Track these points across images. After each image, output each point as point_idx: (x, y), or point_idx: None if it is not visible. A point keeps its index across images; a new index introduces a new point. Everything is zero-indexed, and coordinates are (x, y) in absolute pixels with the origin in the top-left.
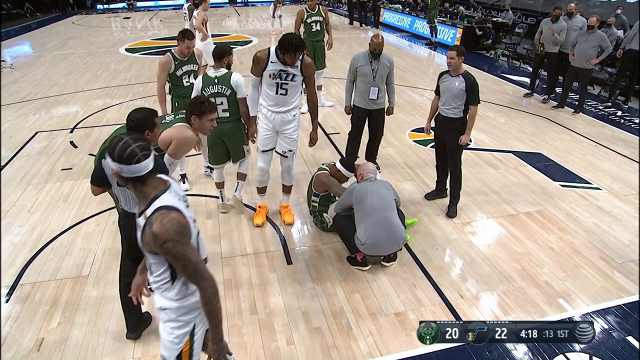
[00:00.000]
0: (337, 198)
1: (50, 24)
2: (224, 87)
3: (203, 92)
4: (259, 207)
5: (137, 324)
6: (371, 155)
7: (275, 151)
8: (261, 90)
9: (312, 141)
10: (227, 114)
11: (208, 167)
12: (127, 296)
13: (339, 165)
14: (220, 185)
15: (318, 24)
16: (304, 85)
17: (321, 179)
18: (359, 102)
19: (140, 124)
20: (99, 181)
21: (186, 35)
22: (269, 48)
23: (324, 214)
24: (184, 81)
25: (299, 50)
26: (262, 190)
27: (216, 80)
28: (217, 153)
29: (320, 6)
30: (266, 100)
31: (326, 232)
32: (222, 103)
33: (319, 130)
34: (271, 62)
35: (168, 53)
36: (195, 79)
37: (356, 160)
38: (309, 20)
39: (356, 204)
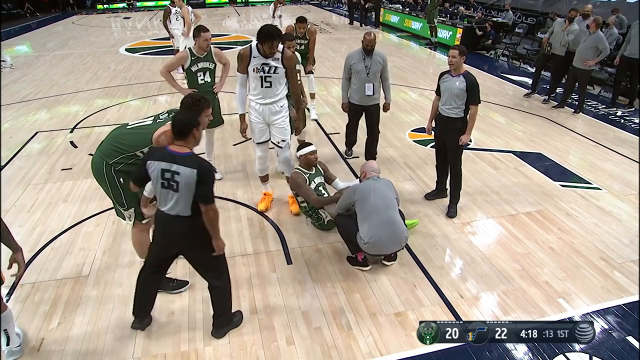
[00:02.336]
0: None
1: (50, 24)
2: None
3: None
4: (264, 194)
5: (146, 313)
6: (370, 154)
7: (271, 142)
8: (249, 86)
9: (297, 131)
10: None
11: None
12: (145, 286)
13: (299, 152)
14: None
15: (303, 46)
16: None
17: (291, 180)
18: (353, 99)
19: (189, 123)
20: (141, 181)
21: (201, 29)
22: (250, 44)
23: (320, 211)
24: (199, 78)
25: (275, 39)
26: (264, 179)
27: None
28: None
29: (309, 29)
30: (254, 94)
31: (326, 232)
32: None
33: (319, 130)
34: (253, 56)
35: (187, 48)
36: (211, 77)
37: (354, 145)
38: (295, 41)
39: (359, 203)
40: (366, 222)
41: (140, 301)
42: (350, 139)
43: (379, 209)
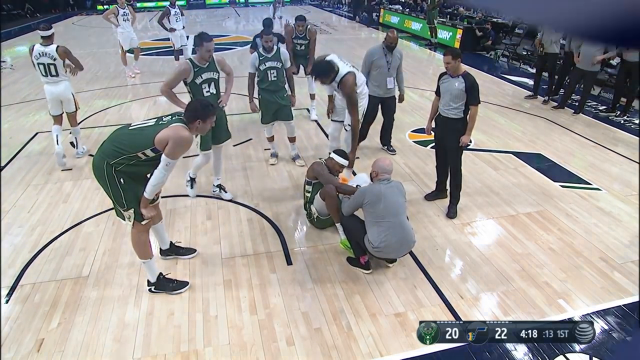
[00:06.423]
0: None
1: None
2: (277, 61)
3: (259, 67)
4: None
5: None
6: (387, 140)
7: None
8: None
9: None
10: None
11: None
12: None
13: (333, 155)
14: (271, 139)
15: (303, 46)
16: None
17: (314, 167)
18: (373, 92)
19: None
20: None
21: (203, 38)
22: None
23: (312, 206)
24: (204, 90)
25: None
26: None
27: (269, 56)
28: (269, 114)
29: (309, 30)
30: None
31: (326, 232)
32: (275, 72)
33: (320, 131)
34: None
35: (187, 60)
36: (216, 88)
37: (365, 138)
38: (295, 41)
39: (369, 206)
40: (376, 226)
41: None
42: (365, 129)
43: (390, 214)
